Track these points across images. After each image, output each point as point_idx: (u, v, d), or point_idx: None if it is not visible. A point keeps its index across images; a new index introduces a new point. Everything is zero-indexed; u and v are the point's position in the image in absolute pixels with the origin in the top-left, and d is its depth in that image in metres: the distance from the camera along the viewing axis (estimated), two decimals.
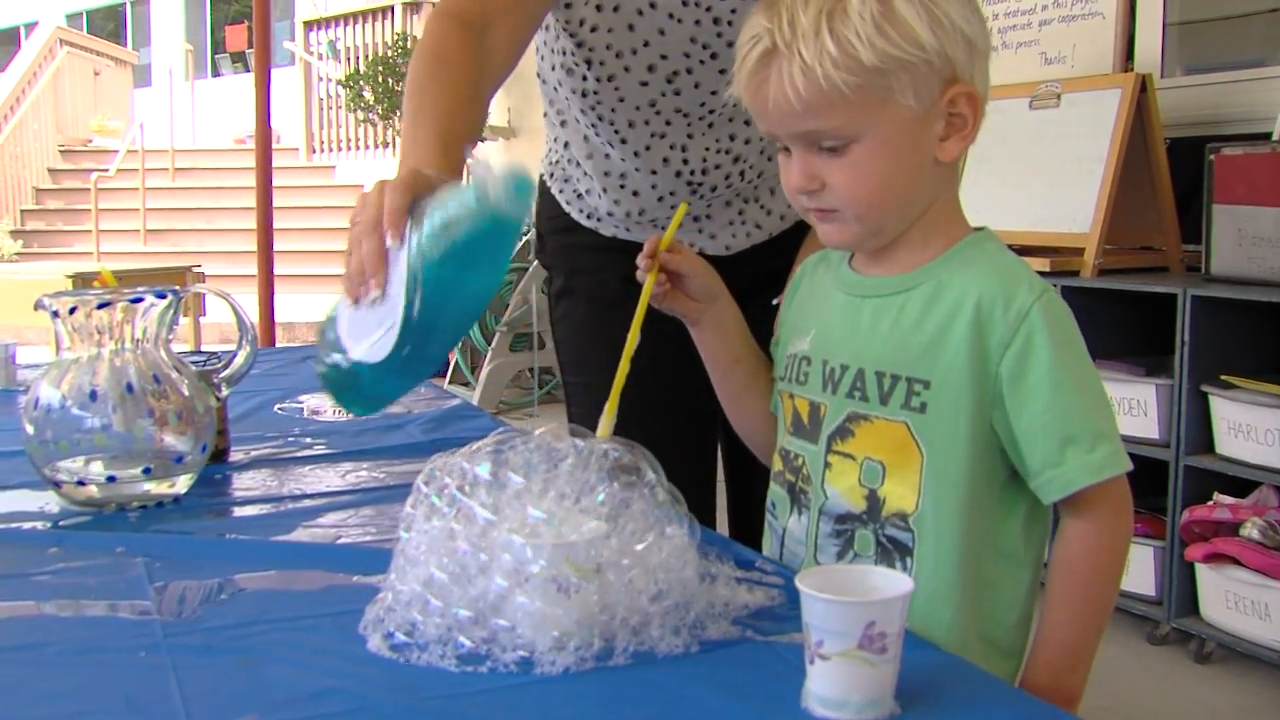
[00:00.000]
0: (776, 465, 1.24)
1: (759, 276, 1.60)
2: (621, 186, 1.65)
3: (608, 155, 1.64)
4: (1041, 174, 3.28)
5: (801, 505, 1.19)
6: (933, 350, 1.10)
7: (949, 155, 1.11)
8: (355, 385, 1.08)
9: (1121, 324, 3.10)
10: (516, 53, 1.40)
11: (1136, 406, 2.95)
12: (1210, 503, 2.81)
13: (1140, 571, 2.97)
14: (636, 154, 1.61)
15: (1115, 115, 3.12)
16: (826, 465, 1.16)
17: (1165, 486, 2.88)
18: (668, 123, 1.59)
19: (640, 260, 1.20)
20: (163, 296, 1.37)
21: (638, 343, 1.16)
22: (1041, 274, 3.20)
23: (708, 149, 1.61)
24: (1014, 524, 1.14)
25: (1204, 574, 2.82)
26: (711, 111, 1.58)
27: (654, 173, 1.62)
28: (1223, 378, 2.79)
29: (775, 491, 1.24)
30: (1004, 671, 1.14)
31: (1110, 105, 3.14)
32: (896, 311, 1.13)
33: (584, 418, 1.43)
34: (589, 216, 1.73)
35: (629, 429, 1.09)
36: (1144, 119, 3.13)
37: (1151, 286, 2.93)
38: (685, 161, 1.62)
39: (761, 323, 1.36)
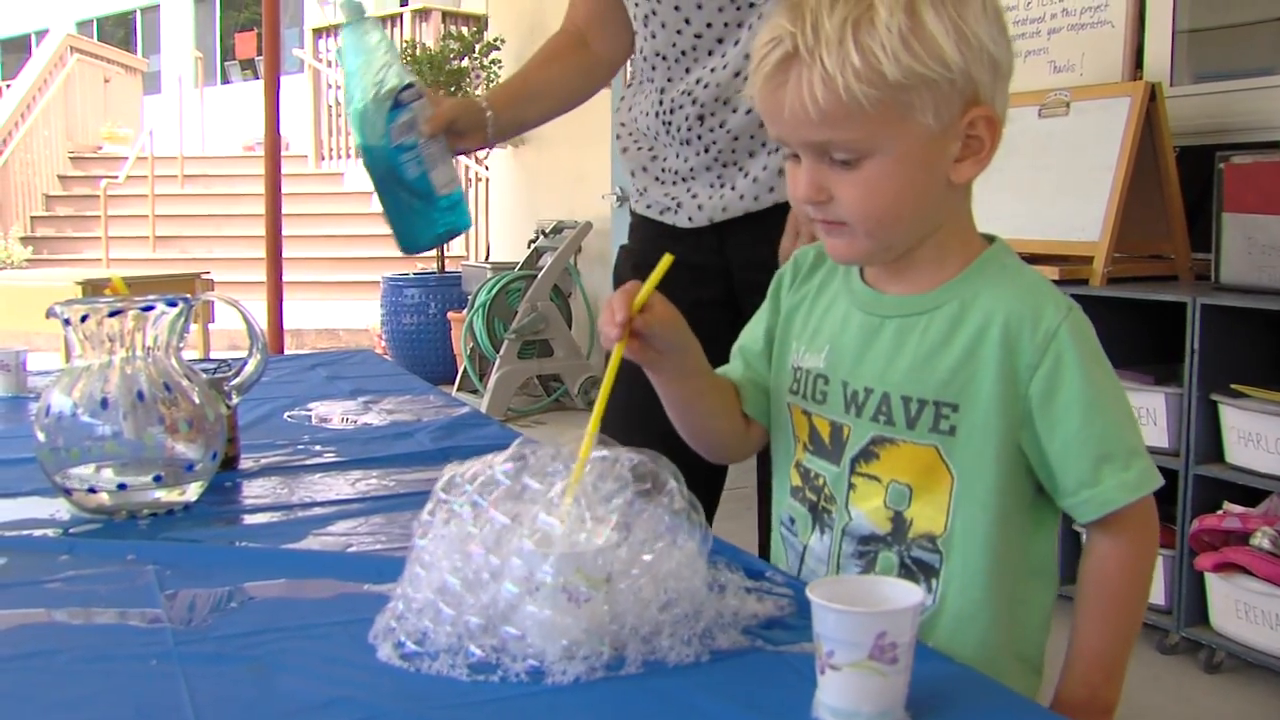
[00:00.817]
0: (794, 480, 1.22)
1: (750, 266, 1.65)
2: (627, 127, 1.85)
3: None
4: (1050, 182, 3.27)
5: (824, 525, 1.17)
6: (961, 374, 1.08)
7: (962, 177, 1.08)
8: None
9: (1131, 332, 3.10)
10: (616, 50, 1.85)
11: (1146, 415, 2.94)
12: (1220, 512, 2.80)
13: None
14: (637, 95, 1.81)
15: (1124, 123, 3.11)
16: (850, 487, 1.14)
17: (1175, 495, 2.87)
18: (653, 67, 1.75)
19: (604, 325, 1.10)
20: (174, 304, 1.37)
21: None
22: (1051, 282, 3.20)
23: (679, 91, 1.72)
24: (1043, 541, 1.14)
25: (1213, 583, 2.81)
26: (683, 53, 1.70)
27: (645, 114, 1.77)
28: (1232, 386, 2.78)
29: (794, 508, 1.22)
30: (1035, 686, 1.14)
31: (1119, 113, 3.14)
32: (920, 333, 1.11)
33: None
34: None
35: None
36: (1153, 127, 3.13)
37: (1161, 295, 2.92)
38: (661, 103, 1.73)
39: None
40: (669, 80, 1.72)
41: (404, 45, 9.64)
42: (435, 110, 1.66)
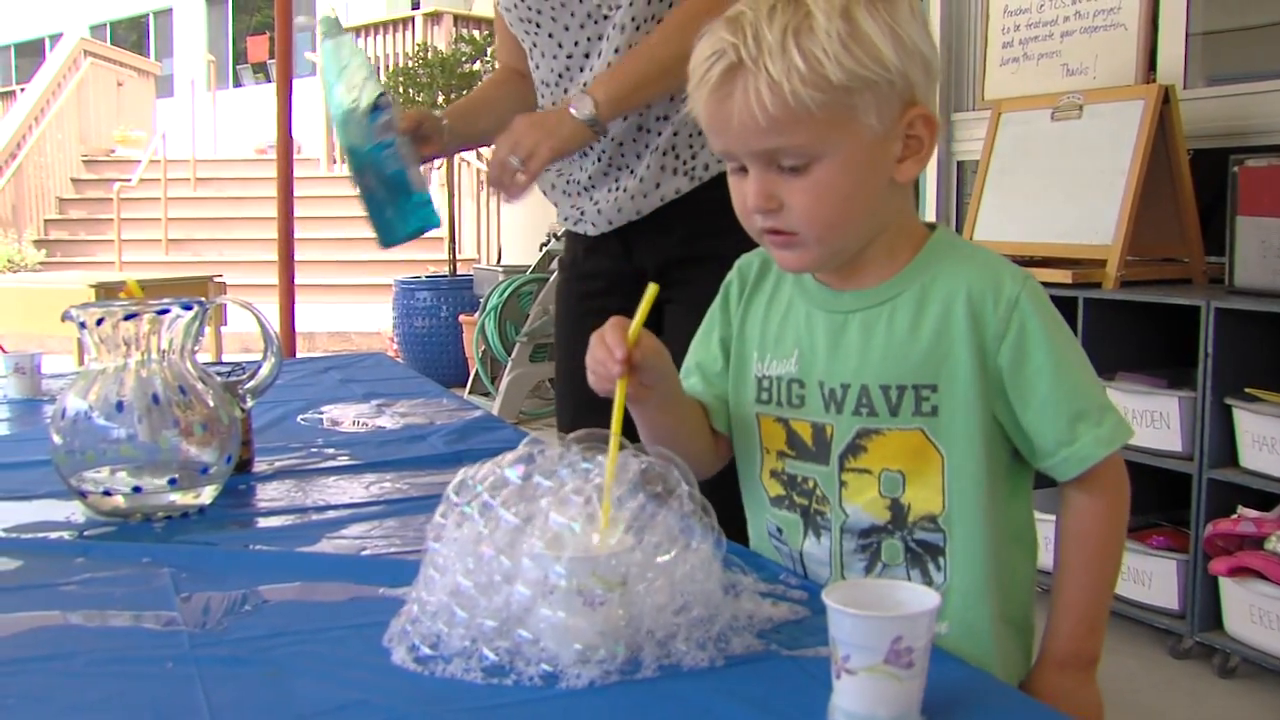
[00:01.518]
0: (773, 490, 1.21)
1: (659, 267, 1.78)
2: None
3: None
4: (1063, 186, 3.27)
5: (819, 527, 1.18)
6: (934, 354, 1.11)
7: (906, 176, 1.11)
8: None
9: (1144, 336, 3.09)
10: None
11: (1159, 419, 2.94)
12: (1234, 516, 2.79)
13: (1163, 585, 2.95)
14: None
15: (1138, 127, 3.11)
16: (842, 484, 1.15)
17: (1188, 499, 2.86)
18: (542, 96, 1.89)
19: (602, 363, 1.09)
20: (189, 308, 1.38)
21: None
22: (1064, 286, 3.20)
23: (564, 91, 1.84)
24: (1022, 505, 1.18)
25: (1228, 588, 2.80)
26: (559, 75, 1.83)
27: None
28: (1246, 390, 2.77)
29: (781, 517, 1.21)
30: (1021, 646, 1.18)
31: (1133, 116, 3.13)
32: (886, 322, 1.13)
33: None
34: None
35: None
36: (1167, 130, 3.12)
37: (1174, 299, 2.91)
38: (554, 103, 1.85)
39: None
40: (553, 103, 1.85)
41: (416, 48, 9.67)
42: (405, 114, 1.84)
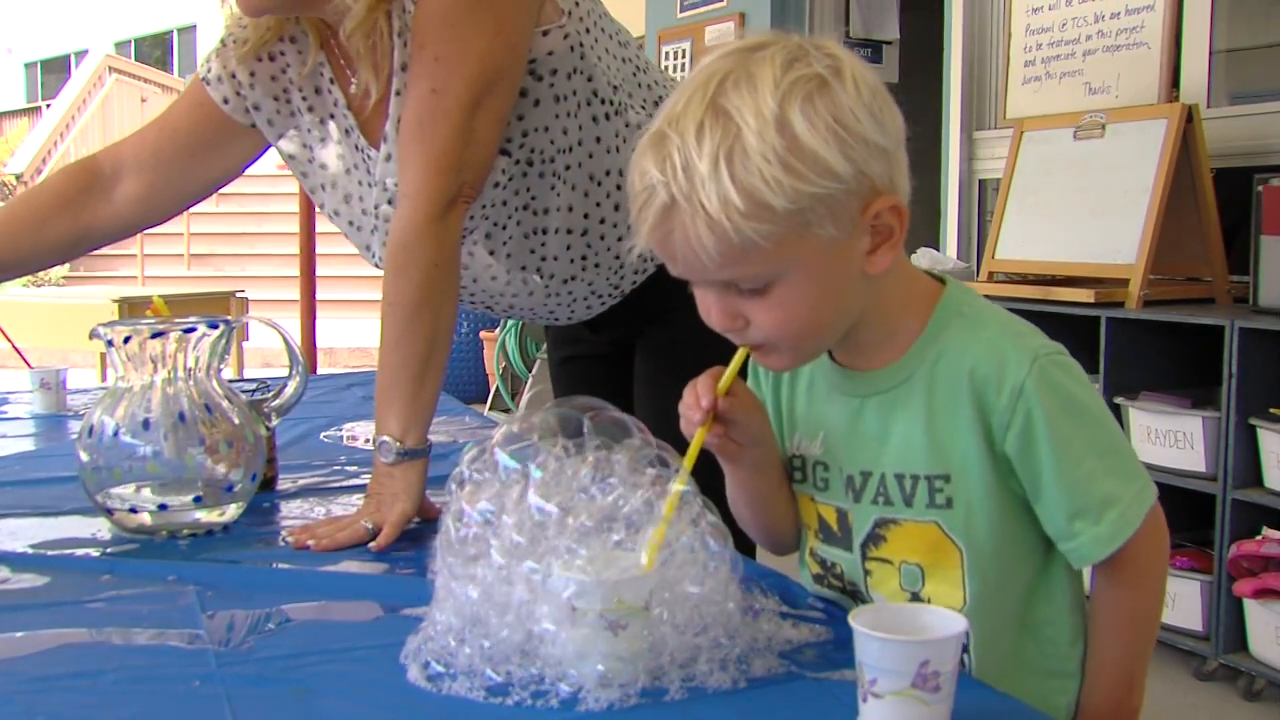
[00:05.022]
0: (813, 568, 1.20)
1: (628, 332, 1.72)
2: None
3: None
4: (1086, 205, 3.26)
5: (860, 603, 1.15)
6: (944, 445, 1.06)
7: (878, 267, 1.02)
8: None
9: (1168, 356, 3.07)
10: None
11: (1183, 439, 2.92)
12: (1259, 537, 2.77)
13: (1187, 606, 2.93)
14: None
15: (1161, 145, 3.10)
16: (866, 572, 1.13)
17: (1212, 520, 2.85)
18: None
19: (688, 409, 1.08)
20: (215, 326, 1.39)
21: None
22: (1087, 305, 3.18)
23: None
24: (1058, 562, 1.12)
25: (1252, 609, 2.78)
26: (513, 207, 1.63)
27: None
28: (1271, 410, 2.75)
29: (826, 594, 1.19)
30: (1067, 691, 1.13)
31: (1156, 135, 3.12)
32: (901, 408, 1.08)
33: None
34: None
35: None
36: (1190, 149, 3.11)
37: (1198, 318, 2.90)
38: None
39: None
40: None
41: None
42: None
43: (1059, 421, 1.03)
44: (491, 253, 1.62)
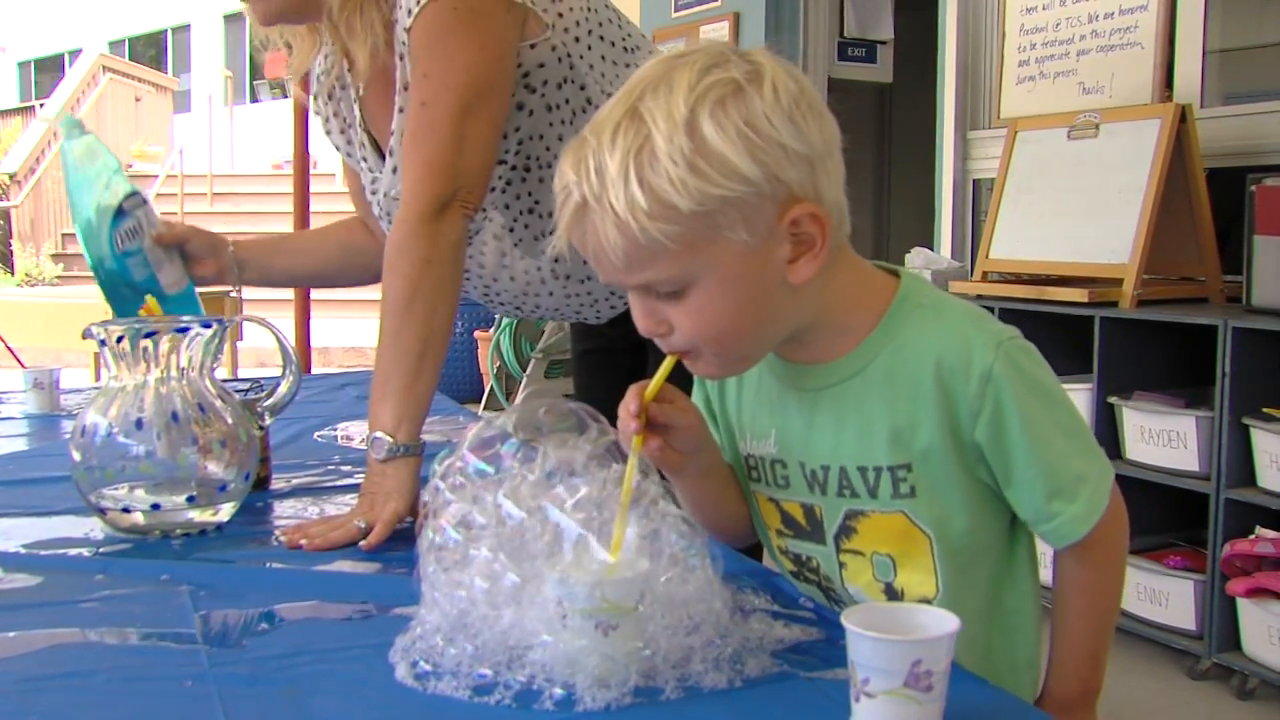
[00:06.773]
0: (787, 565, 1.20)
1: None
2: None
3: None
4: (1080, 205, 3.26)
5: (836, 599, 1.16)
6: (905, 435, 1.06)
7: (800, 277, 1.00)
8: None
9: (1161, 355, 3.08)
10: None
11: (1176, 438, 2.93)
12: (1252, 536, 2.77)
13: (1181, 606, 2.94)
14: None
15: (1154, 145, 3.10)
16: (841, 565, 1.13)
17: (1205, 519, 2.85)
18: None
19: (623, 419, 1.06)
20: (208, 326, 1.39)
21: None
22: (1080, 305, 3.19)
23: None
24: (1024, 552, 1.15)
25: (1246, 609, 2.78)
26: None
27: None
28: (1264, 410, 2.76)
29: (804, 589, 1.19)
30: (1028, 680, 1.16)
31: (1149, 135, 3.13)
32: (856, 399, 1.08)
33: None
34: None
35: None
36: (1183, 149, 3.12)
37: (1192, 318, 2.91)
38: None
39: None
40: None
41: None
42: (168, 225, 1.78)
43: (1028, 404, 1.04)
44: (504, 255, 1.68)
